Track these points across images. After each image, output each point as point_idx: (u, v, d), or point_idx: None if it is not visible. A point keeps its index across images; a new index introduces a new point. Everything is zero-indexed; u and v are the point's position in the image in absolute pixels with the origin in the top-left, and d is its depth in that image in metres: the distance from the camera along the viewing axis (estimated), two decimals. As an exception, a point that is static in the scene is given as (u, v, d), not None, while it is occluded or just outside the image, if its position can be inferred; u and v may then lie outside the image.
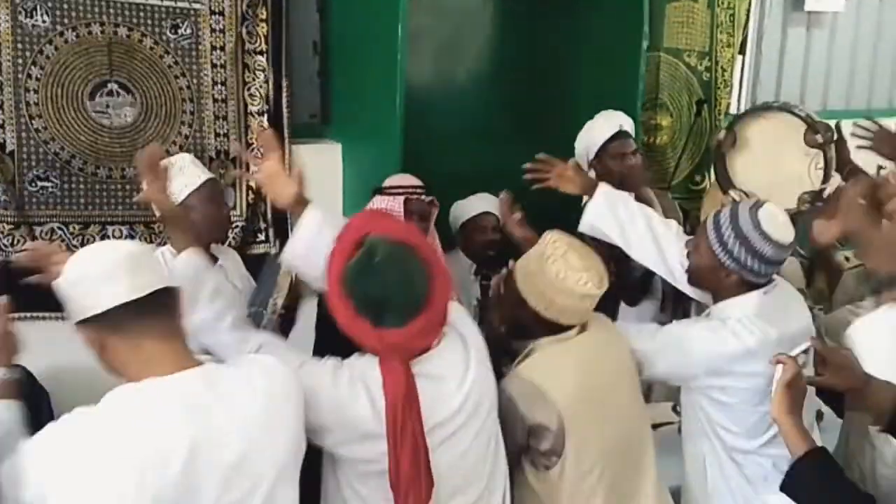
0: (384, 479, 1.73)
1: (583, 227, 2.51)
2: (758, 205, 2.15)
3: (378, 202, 2.75)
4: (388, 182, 2.80)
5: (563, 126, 3.42)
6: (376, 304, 1.70)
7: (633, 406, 2.16)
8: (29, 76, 2.77)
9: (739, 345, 2.14)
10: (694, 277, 2.29)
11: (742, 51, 4.27)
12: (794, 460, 1.76)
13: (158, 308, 1.51)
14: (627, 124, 3.14)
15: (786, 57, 4.72)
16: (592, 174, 3.16)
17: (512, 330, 2.15)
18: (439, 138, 3.48)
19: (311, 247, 1.92)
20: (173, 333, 1.53)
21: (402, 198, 2.73)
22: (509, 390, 1.98)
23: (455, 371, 1.82)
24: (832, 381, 1.84)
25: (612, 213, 2.49)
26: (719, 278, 2.19)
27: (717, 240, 2.15)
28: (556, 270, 1.99)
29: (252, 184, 3.13)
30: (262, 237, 3.22)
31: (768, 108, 3.11)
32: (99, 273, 1.48)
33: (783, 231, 2.11)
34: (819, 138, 2.86)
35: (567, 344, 2.06)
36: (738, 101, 4.41)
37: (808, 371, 1.89)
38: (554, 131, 3.57)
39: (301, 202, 1.99)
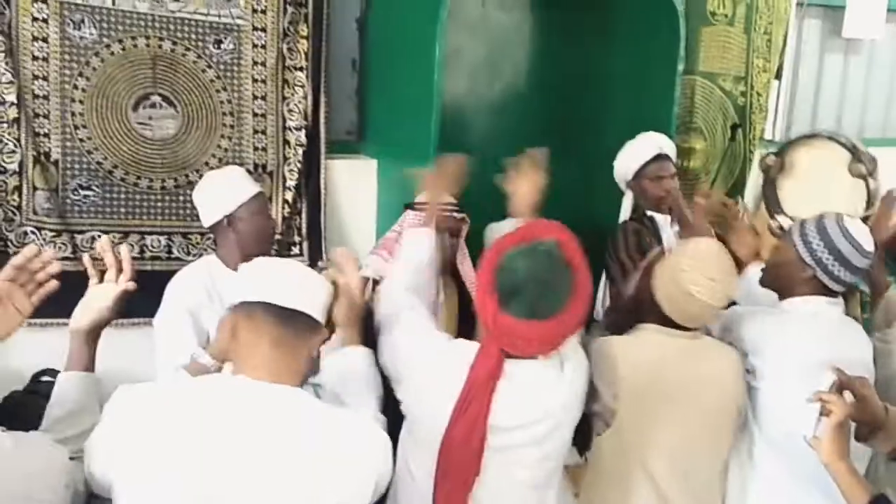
0: (435, 448, 1.79)
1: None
2: (842, 216, 2.23)
3: (410, 217, 2.75)
4: (420, 197, 2.82)
5: (597, 147, 3.44)
6: (512, 286, 1.73)
7: (706, 432, 2.16)
8: (75, 87, 2.83)
9: (785, 329, 2.19)
10: (771, 273, 2.34)
11: (778, 76, 4.27)
12: None
13: (295, 328, 1.55)
14: (668, 147, 3.15)
15: (822, 83, 4.70)
16: (629, 195, 3.18)
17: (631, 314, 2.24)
18: (473, 155, 3.50)
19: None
20: (291, 354, 1.55)
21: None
22: (592, 347, 2.06)
23: (542, 390, 1.85)
24: (853, 412, 1.82)
25: None
26: (795, 275, 2.24)
27: (801, 237, 2.22)
28: (689, 279, 2.05)
29: (288, 197, 3.17)
30: (296, 250, 3.26)
31: (815, 136, 3.14)
32: (273, 271, 1.59)
33: (867, 239, 2.18)
34: (863, 168, 2.87)
35: (671, 337, 2.12)
36: (773, 126, 4.40)
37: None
38: (588, 152, 3.59)
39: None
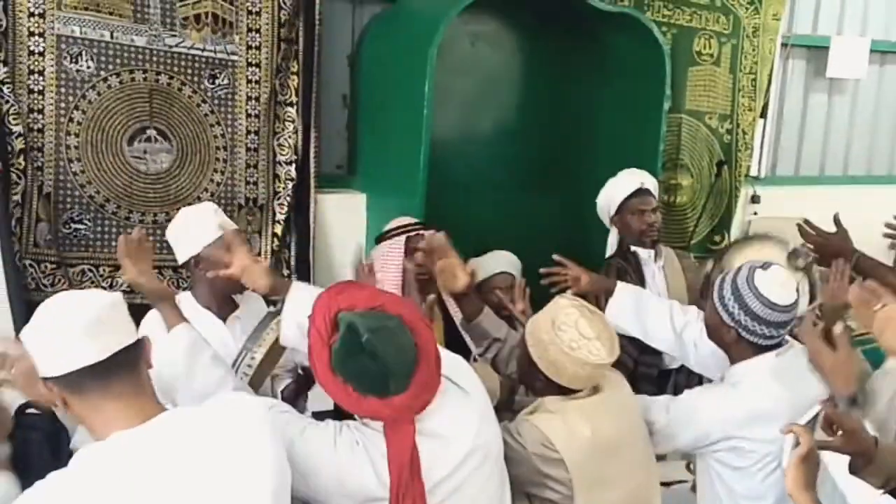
0: None
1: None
2: (759, 265, 2.18)
3: (381, 249, 2.78)
4: (386, 227, 2.84)
5: (583, 183, 3.49)
6: (378, 380, 1.69)
7: (643, 465, 2.17)
8: (71, 120, 2.86)
9: (750, 408, 2.15)
10: (709, 333, 2.32)
11: (763, 114, 4.34)
12: None
13: (120, 367, 1.46)
14: (649, 182, 3.22)
15: (807, 122, 4.77)
16: (614, 231, 3.24)
17: (522, 384, 2.21)
18: (462, 192, 3.56)
19: (302, 327, 1.92)
20: (135, 389, 1.49)
21: (402, 237, 2.76)
22: (523, 438, 2.00)
23: (457, 425, 1.82)
24: (841, 445, 1.84)
25: (632, 310, 2.59)
26: (724, 338, 2.22)
27: (719, 299, 2.19)
28: (568, 340, 2.02)
29: (277, 230, 3.21)
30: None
31: (751, 238, 3.26)
32: (60, 333, 1.44)
33: (780, 292, 2.13)
34: (800, 262, 2.91)
35: (579, 403, 2.08)
36: (759, 163, 4.47)
37: (818, 435, 1.90)
38: (575, 188, 3.65)
39: (279, 287, 2.06)
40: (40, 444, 2.29)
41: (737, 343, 2.20)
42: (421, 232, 2.76)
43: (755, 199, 4.43)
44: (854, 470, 1.89)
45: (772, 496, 2.18)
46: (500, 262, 3.17)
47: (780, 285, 2.15)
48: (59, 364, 1.44)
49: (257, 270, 2.09)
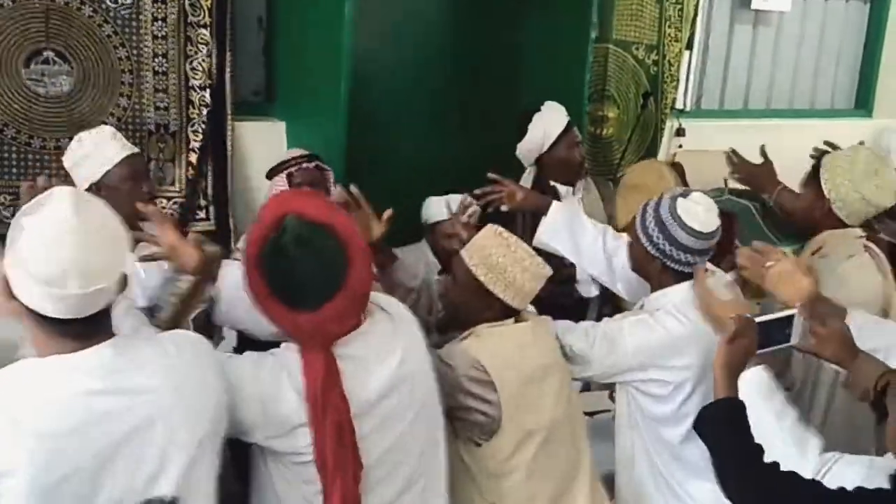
0: (313, 467, 1.71)
1: (536, 242, 2.56)
2: (681, 194, 2.20)
3: (270, 187, 2.74)
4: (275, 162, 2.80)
5: (508, 113, 3.43)
6: (289, 287, 1.67)
7: (566, 394, 2.18)
8: (-39, 40, 2.68)
9: (666, 335, 2.17)
10: (633, 266, 2.34)
11: (689, 46, 4.32)
12: (709, 402, 1.84)
13: (87, 325, 1.45)
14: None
15: (732, 54, 4.78)
16: (531, 171, 3.19)
17: (454, 317, 2.19)
18: (385, 120, 3.46)
19: (234, 303, 1.91)
20: (91, 329, 1.47)
21: (284, 173, 2.72)
22: (454, 361, 2.01)
23: (383, 352, 1.80)
24: (819, 350, 1.91)
25: (566, 229, 2.58)
26: (647, 266, 2.25)
27: (642, 227, 2.21)
28: (521, 255, 2.06)
29: (192, 159, 3.08)
30: (202, 214, 3.17)
31: None
32: (36, 268, 1.39)
33: (703, 219, 2.15)
34: None
35: (508, 329, 2.09)
36: (685, 96, 4.46)
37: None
38: (500, 118, 3.58)
39: (210, 263, 1.97)
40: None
41: (661, 273, 2.22)
42: (303, 165, 2.71)
43: (680, 132, 4.43)
44: (845, 384, 1.94)
45: (689, 421, 2.21)
46: (453, 206, 2.99)
47: (704, 212, 2.17)
48: (29, 299, 1.41)
49: (187, 251, 1.96)
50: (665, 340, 2.17)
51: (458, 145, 3.69)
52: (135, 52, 2.95)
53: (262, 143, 3.27)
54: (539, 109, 3.17)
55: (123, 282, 1.49)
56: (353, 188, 2.37)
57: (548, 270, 2.11)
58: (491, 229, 2.13)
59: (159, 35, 2.98)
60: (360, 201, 2.34)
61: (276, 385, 1.70)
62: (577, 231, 2.58)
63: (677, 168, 3.54)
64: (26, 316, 1.44)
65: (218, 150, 3.16)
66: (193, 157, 3.08)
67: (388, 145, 3.39)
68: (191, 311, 2.18)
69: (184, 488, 1.51)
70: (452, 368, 2.00)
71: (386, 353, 1.80)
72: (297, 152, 2.79)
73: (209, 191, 3.17)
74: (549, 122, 3.15)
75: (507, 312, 2.10)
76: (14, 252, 1.41)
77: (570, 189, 3.18)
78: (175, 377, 1.52)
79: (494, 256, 2.06)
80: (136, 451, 1.45)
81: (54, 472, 1.37)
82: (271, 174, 2.77)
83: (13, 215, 2.66)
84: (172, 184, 3.08)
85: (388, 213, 2.36)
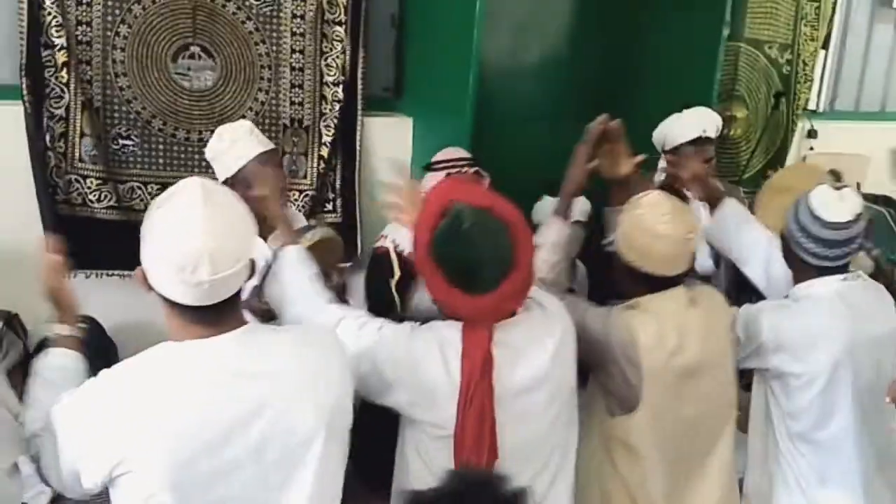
0: (449, 444, 1.74)
1: (703, 233, 2.55)
2: (821, 188, 2.18)
3: (427, 179, 2.70)
4: (436, 157, 2.76)
5: (635, 112, 3.36)
6: (469, 271, 1.71)
7: (722, 391, 2.16)
8: (117, 34, 2.82)
9: (803, 321, 2.17)
10: (785, 261, 2.33)
11: (825, 46, 4.17)
12: None
13: (218, 312, 1.51)
14: (713, 128, 3.05)
15: (870, 54, 4.57)
16: (662, 163, 3.13)
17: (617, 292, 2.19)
18: (510, 117, 3.47)
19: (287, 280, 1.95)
20: (222, 316, 1.52)
21: (442, 173, 2.68)
22: (613, 325, 2.02)
23: (534, 345, 1.82)
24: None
25: (734, 226, 2.57)
26: (791, 261, 2.26)
27: (787, 221, 2.23)
28: (649, 220, 2.04)
29: (323, 153, 3.17)
30: (329, 207, 3.26)
31: None
32: (172, 266, 1.45)
33: (832, 209, 2.13)
34: None
35: (674, 312, 2.06)
36: (819, 96, 4.31)
37: None
38: (627, 117, 3.53)
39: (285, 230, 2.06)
40: (89, 358, 2.34)
41: (799, 265, 2.22)
42: (465, 169, 2.68)
43: (812, 134, 4.29)
44: None
45: (822, 418, 2.19)
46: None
47: (836, 201, 2.14)
48: (168, 291, 1.48)
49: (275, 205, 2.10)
50: (802, 327, 2.17)
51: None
52: (274, 48, 3.05)
53: (389, 139, 3.33)
54: (690, 107, 3.08)
55: (251, 268, 1.54)
56: (617, 122, 2.45)
57: (685, 232, 2.03)
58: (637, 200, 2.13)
59: (297, 32, 3.06)
60: (620, 136, 2.42)
61: (428, 356, 1.76)
62: (743, 231, 2.56)
63: (834, 173, 3.36)
64: (163, 305, 1.51)
65: (347, 144, 3.23)
66: (325, 152, 3.17)
67: (514, 140, 3.40)
68: None
69: (315, 474, 1.55)
70: (608, 333, 2.01)
71: (537, 347, 1.82)
72: (456, 153, 2.75)
73: (337, 184, 3.26)
74: (681, 126, 3.04)
75: (665, 282, 2.07)
76: (148, 243, 1.48)
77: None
78: (301, 366, 1.57)
79: (629, 230, 2.08)
80: (259, 433, 1.49)
81: (184, 452, 1.44)
82: (427, 168, 2.75)
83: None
84: (304, 177, 3.17)
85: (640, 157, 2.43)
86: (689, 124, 3.04)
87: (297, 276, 1.95)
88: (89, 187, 2.83)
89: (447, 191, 1.83)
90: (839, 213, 2.13)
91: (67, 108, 2.78)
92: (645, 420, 2.02)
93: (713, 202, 2.61)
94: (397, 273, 2.41)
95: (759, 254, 2.50)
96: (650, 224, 2.03)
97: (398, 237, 2.49)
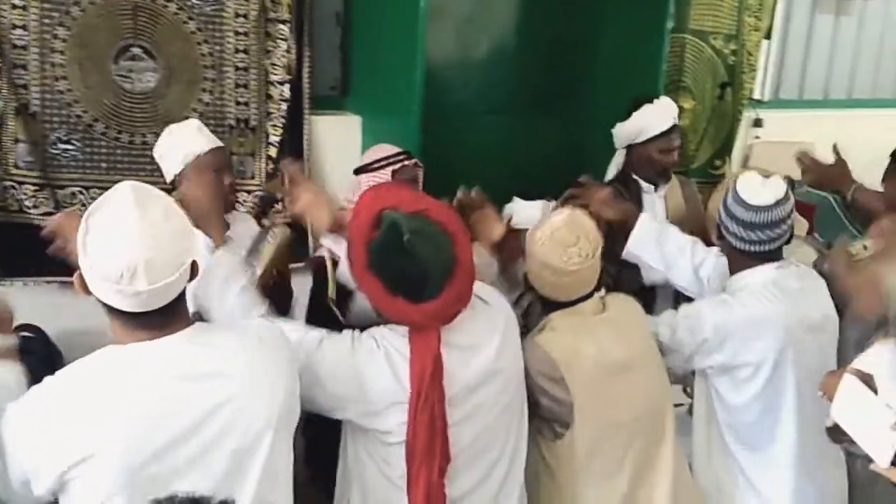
0: (402, 448, 1.74)
1: (626, 254, 2.58)
2: (747, 174, 2.22)
3: (365, 181, 2.52)
4: (367, 158, 2.60)
5: (582, 104, 3.42)
6: (413, 282, 1.69)
7: (654, 387, 2.17)
8: (55, 37, 2.77)
9: (746, 313, 2.18)
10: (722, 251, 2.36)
11: (768, 35, 4.23)
12: None
13: (162, 314, 1.49)
14: (677, 116, 3.10)
15: (812, 43, 4.65)
16: (622, 153, 3.12)
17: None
18: (459, 113, 3.48)
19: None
20: (167, 319, 1.51)
21: (389, 170, 2.52)
22: (527, 356, 2.00)
23: (481, 342, 1.82)
24: None
25: (654, 241, 2.57)
26: (726, 251, 2.29)
27: (719, 211, 2.25)
28: (543, 251, 2.04)
29: (271, 153, 3.14)
30: (279, 206, 3.23)
31: None
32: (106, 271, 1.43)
33: (756, 192, 2.15)
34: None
35: (584, 322, 2.08)
36: (763, 86, 4.37)
37: None
38: (573, 109, 3.57)
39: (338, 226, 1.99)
40: (36, 367, 2.30)
41: (733, 254, 2.25)
42: (406, 163, 2.55)
43: (758, 123, 4.34)
44: None
45: (768, 407, 2.22)
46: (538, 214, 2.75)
47: (759, 186, 2.17)
48: (104, 296, 1.47)
49: (324, 210, 2.02)
50: (744, 319, 2.18)
51: (531, 135, 3.69)
52: (217, 47, 3.01)
53: (337, 137, 3.31)
54: (652, 100, 3.06)
55: (192, 271, 1.52)
56: (475, 191, 2.39)
57: (574, 265, 2.02)
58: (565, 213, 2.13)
59: (241, 31, 3.03)
60: (483, 203, 2.36)
61: (373, 365, 1.74)
62: (664, 242, 2.56)
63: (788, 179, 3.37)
64: (104, 310, 1.49)
65: (295, 143, 3.21)
66: (273, 151, 3.14)
67: (462, 136, 3.41)
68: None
69: (260, 473, 1.54)
70: (527, 365, 2.00)
71: (484, 344, 1.82)
72: (390, 149, 2.61)
73: (286, 185, 3.22)
74: (653, 116, 3.02)
75: (575, 304, 2.09)
76: (83, 252, 1.46)
77: (653, 187, 3.09)
78: (249, 365, 1.56)
79: (530, 255, 2.09)
80: (213, 434, 1.49)
81: (137, 455, 1.43)
82: (361, 171, 2.60)
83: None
84: (252, 177, 3.14)
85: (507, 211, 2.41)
86: (663, 115, 3.06)
87: (227, 292, 1.89)
88: (25, 193, 2.79)
89: (375, 199, 1.77)
90: (761, 196, 2.15)
91: (1, 115, 2.73)
92: (588, 432, 2.02)
93: (629, 220, 2.60)
94: (332, 287, 2.33)
95: (685, 256, 2.52)
96: (541, 257, 2.05)
97: (333, 245, 2.44)
